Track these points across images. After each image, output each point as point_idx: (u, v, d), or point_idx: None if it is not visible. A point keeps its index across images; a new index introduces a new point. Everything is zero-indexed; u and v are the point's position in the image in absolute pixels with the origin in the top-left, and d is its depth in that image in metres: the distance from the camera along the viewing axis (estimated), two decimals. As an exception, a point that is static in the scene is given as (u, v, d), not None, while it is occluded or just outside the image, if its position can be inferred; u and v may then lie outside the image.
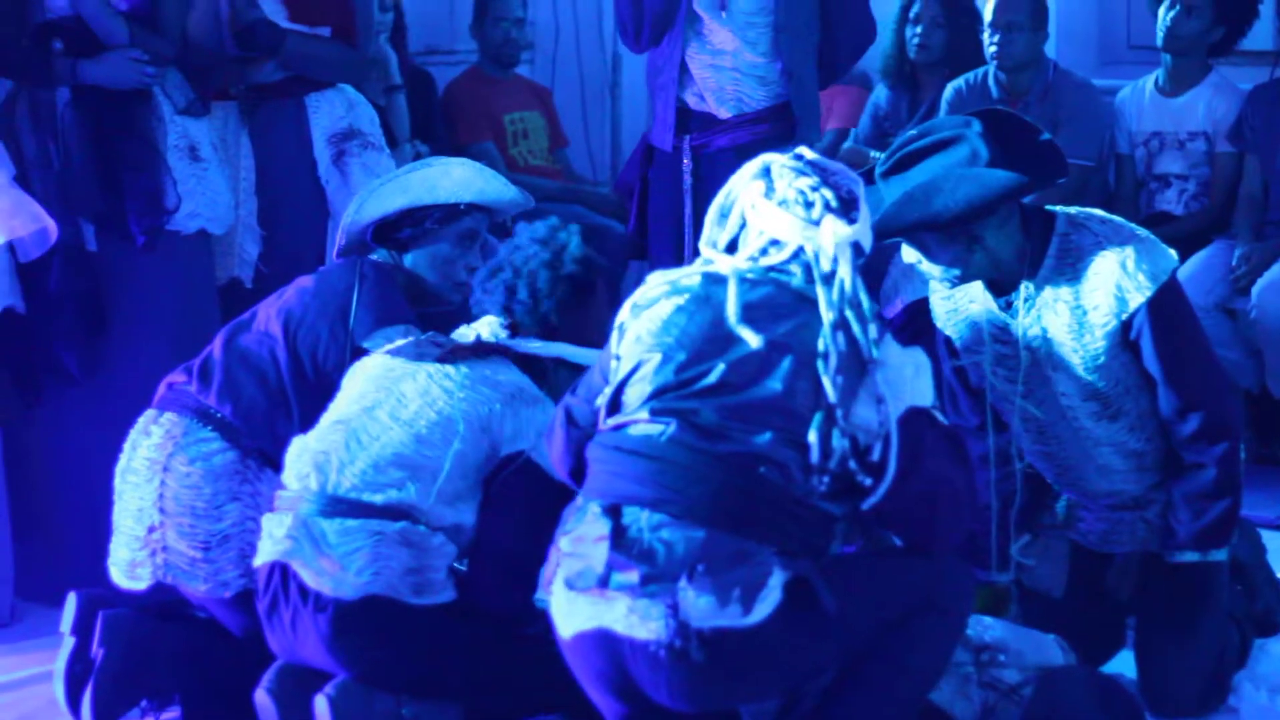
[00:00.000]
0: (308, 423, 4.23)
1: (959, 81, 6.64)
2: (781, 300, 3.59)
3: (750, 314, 3.57)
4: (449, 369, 4.08)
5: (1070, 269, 4.21)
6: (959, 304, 4.39)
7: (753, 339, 3.55)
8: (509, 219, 4.86)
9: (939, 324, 4.45)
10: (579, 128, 8.06)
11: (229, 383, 4.42)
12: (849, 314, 3.52)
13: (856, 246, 3.61)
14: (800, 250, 3.62)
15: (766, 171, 3.70)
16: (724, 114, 5.73)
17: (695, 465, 3.50)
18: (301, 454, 4.11)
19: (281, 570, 4.01)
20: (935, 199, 4.06)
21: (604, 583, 3.50)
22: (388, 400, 4.08)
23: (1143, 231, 4.26)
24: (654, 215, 5.89)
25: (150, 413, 4.48)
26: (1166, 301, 4.18)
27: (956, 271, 4.20)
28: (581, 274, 4.18)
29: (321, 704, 3.95)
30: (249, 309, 4.63)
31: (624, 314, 3.72)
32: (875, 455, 3.52)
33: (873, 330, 3.53)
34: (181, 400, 4.44)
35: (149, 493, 4.37)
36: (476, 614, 4.01)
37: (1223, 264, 6.22)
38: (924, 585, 3.64)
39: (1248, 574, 4.57)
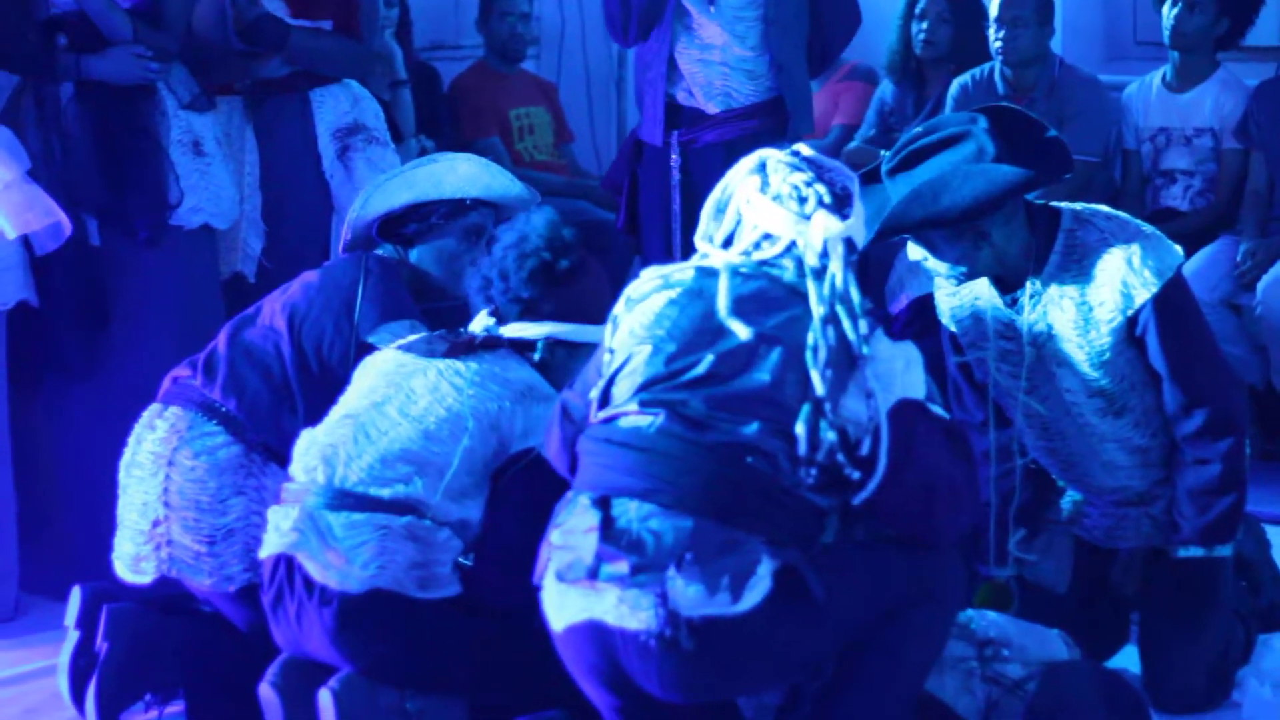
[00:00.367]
0: (312, 417, 4.24)
1: (965, 77, 6.63)
2: (773, 294, 3.62)
3: (741, 307, 3.59)
4: (459, 365, 4.08)
5: (1076, 265, 4.21)
6: (964, 300, 4.39)
7: (742, 331, 3.57)
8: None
9: (944, 319, 4.46)
10: (584, 123, 8.07)
11: (234, 377, 4.42)
12: (839, 309, 3.54)
13: (849, 243, 3.63)
14: (793, 245, 3.64)
15: (762, 167, 3.73)
16: (712, 109, 5.73)
17: (684, 455, 3.52)
18: (309, 447, 4.11)
19: (287, 562, 4.01)
20: (943, 195, 4.06)
21: (594, 574, 3.51)
22: (397, 396, 4.08)
23: (1148, 227, 4.26)
24: (644, 211, 5.88)
25: (155, 406, 4.48)
26: (1172, 297, 4.19)
27: (963, 268, 4.21)
28: (548, 249, 4.16)
29: (326, 698, 3.95)
30: (253, 303, 4.63)
31: (618, 308, 3.74)
32: (865, 450, 3.53)
33: (863, 326, 3.55)
34: (186, 394, 4.45)
35: (154, 487, 4.37)
36: (481, 608, 4.01)
37: (1228, 260, 6.22)
38: (916, 575, 3.64)
39: (1252, 569, 4.57)
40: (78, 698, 4.36)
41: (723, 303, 3.60)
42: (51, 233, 5.10)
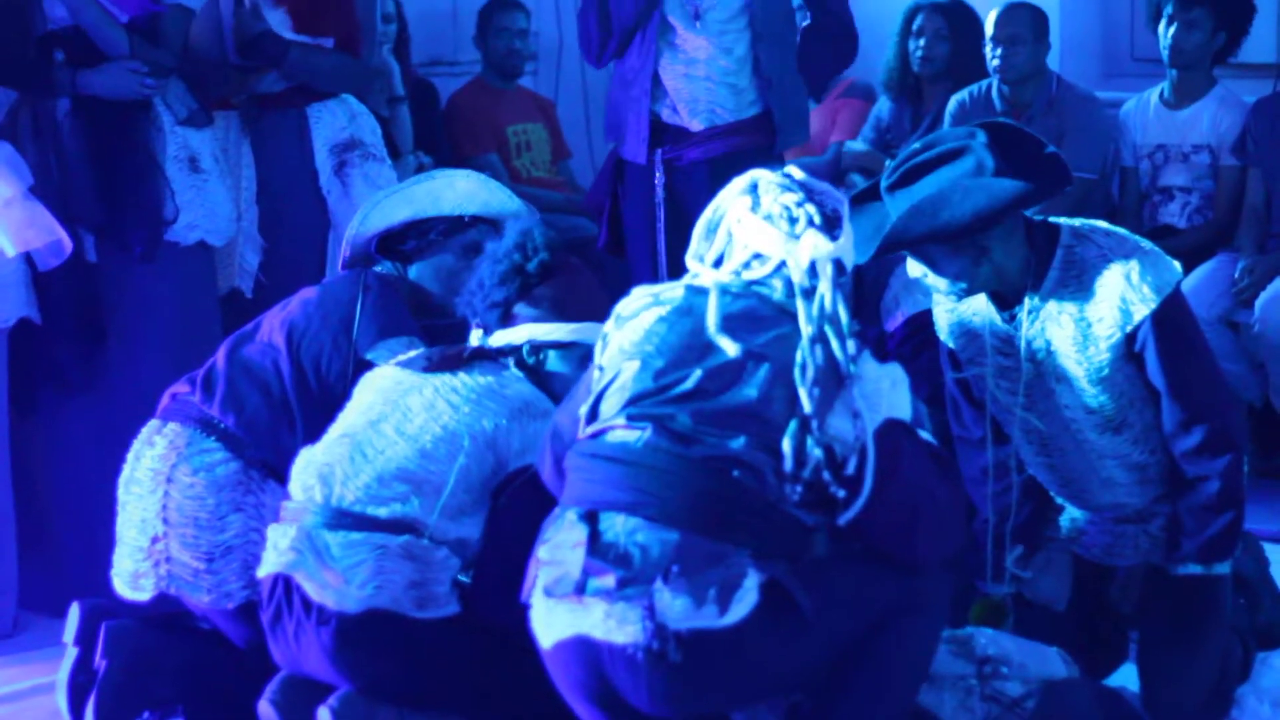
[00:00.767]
0: (311, 434, 4.24)
1: (963, 94, 6.64)
2: (762, 313, 3.65)
3: (730, 324, 3.62)
4: (456, 383, 4.08)
5: (1075, 281, 4.21)
6: (962, 316, 4.39)
7: (731, 348, 3.59)
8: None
9: (942, 335, 4.46)
10: (582, 139, 8.07)
11: (232, 393, 4.42)
12: (828, 329, 3.57)
13: (838, 264, 3.66)
14: (783, 264, 3.68)
15: (754, 187, 3.77)
16: (696, 126, 5.71)
17: (671, 469, 3.53)
18: (307, 466, 4.11)
19: (285, 582, 4.01)
20: (943, 210, 4.06)
21: (581, 589, 3.51)
22: (393, 414, 4.08)
23: (1147, 244, 4.26)
24: (629, 231, 5.86)
25: (154, 423, 4.48)
26: (1171, 314, 4.18)
27: (963, 284, 4.20)
28: (518, 251, 4.18)
29: (324, 716, 3.95)
30: (250, 319, 4.63)
31: (608, 325, 3.77)
32: (850, 469, 3.54)
33: (850, 346, 3.57)
34: (185, 411, 4.45)
35: (152, 503, 4.37)
36: (480, 627, 4.01)
37: (1226, 277, 6.22)
38: (902, 588, 3.65)
39: (1251, 587, 4.56)
40: (76, 714, 4.35)
41: (712, 320, 3.63)
42: (53, 250, 5.11)
